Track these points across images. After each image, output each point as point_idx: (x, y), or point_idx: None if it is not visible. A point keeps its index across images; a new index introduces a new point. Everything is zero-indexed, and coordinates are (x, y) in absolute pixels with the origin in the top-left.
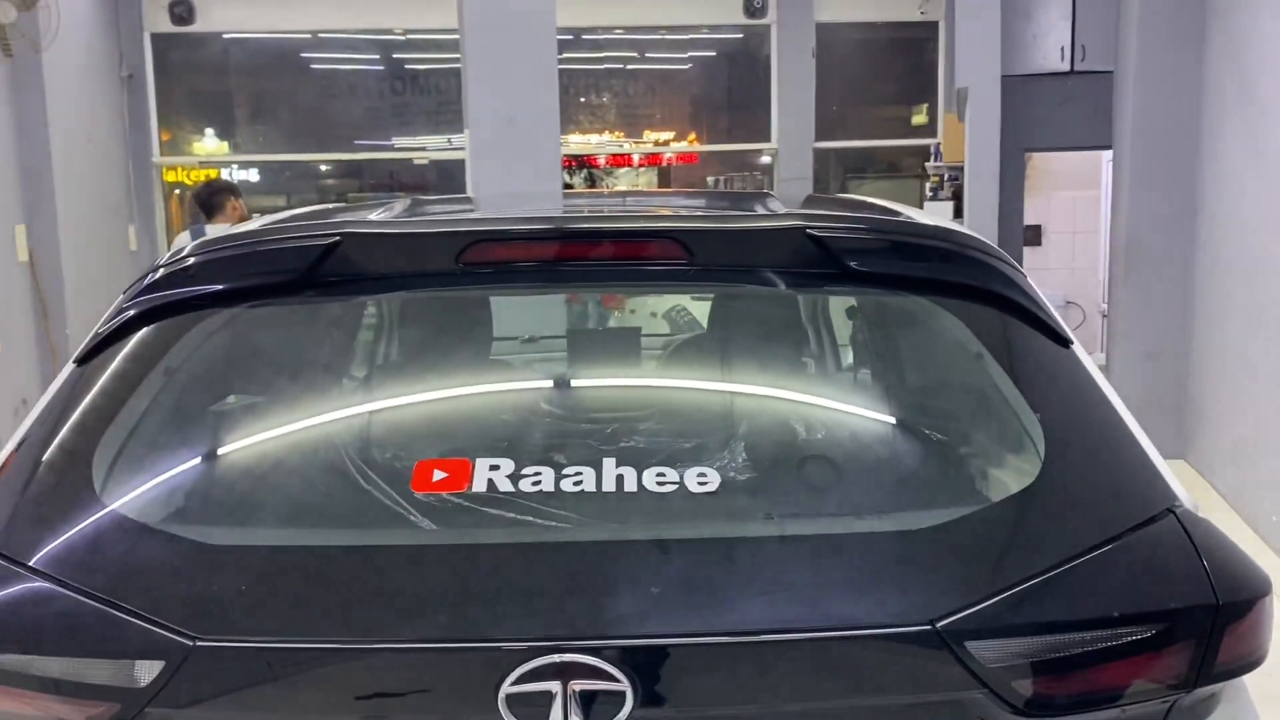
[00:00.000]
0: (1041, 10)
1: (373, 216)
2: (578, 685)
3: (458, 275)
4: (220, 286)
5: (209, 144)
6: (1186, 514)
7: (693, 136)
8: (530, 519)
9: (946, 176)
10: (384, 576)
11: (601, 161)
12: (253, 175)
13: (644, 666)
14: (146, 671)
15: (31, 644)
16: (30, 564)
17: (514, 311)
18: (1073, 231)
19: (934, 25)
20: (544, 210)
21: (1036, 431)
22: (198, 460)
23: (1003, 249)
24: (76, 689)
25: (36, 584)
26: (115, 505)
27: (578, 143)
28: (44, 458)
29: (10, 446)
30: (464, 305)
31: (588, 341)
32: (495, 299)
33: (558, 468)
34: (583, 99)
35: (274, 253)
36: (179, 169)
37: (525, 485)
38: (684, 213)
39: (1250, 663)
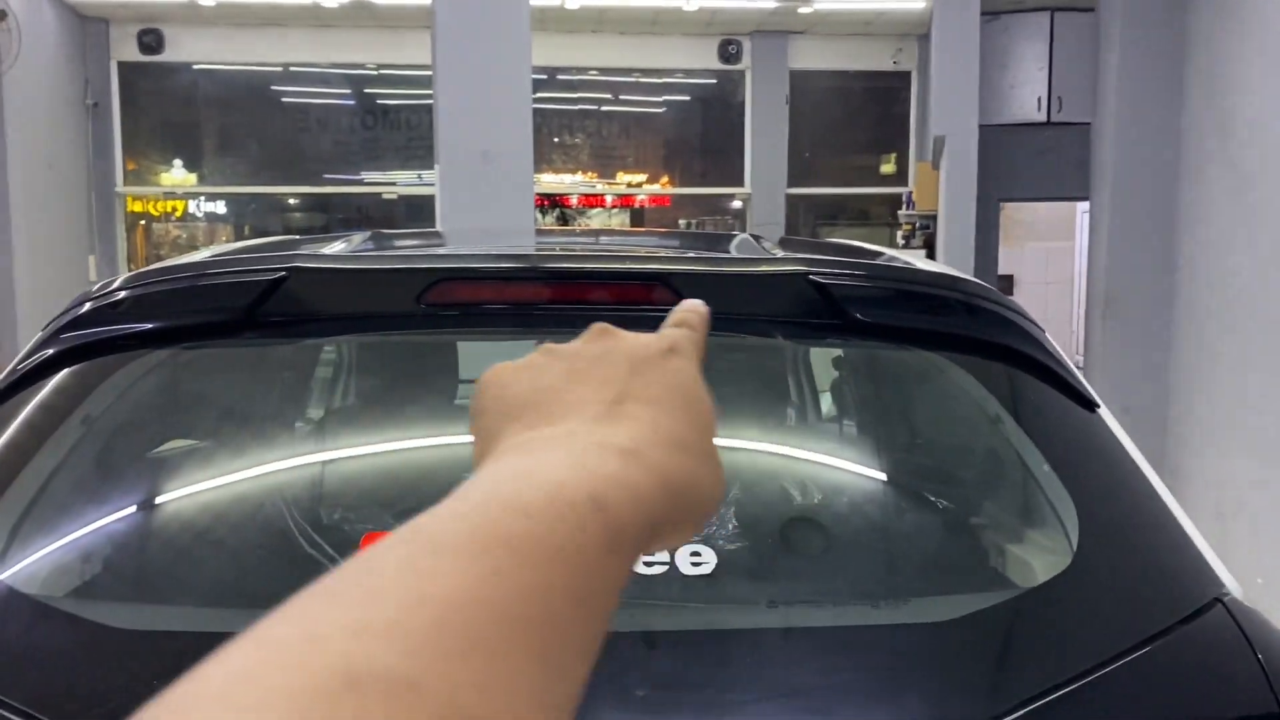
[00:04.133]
0: (1018, 61)
1: (327, 250)
2: None
3: (419, 317)
4: (151, 325)
5: (176, 174)
6: (1236, 604)
7: (665, 179)
8: None
9: (918, 225)
10: None
11: (574, 201)
12: (219, 207)
13: None
14: None
15: None
16: None
17: (484, 353)
18: (1045, 282)
19: (906, 75)
20: (518, 248)
21: (1067, 508)
22: (112, 525)
23: None
24: None
25: None
26: (7, 576)
27: (550, 181)
28: None
29: None
30: (425, 347)
31: None
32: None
33: None
34: (556, 139)
35: (212, 288)
36: (146, 199)
37: None
38: (670, 254)
39: None
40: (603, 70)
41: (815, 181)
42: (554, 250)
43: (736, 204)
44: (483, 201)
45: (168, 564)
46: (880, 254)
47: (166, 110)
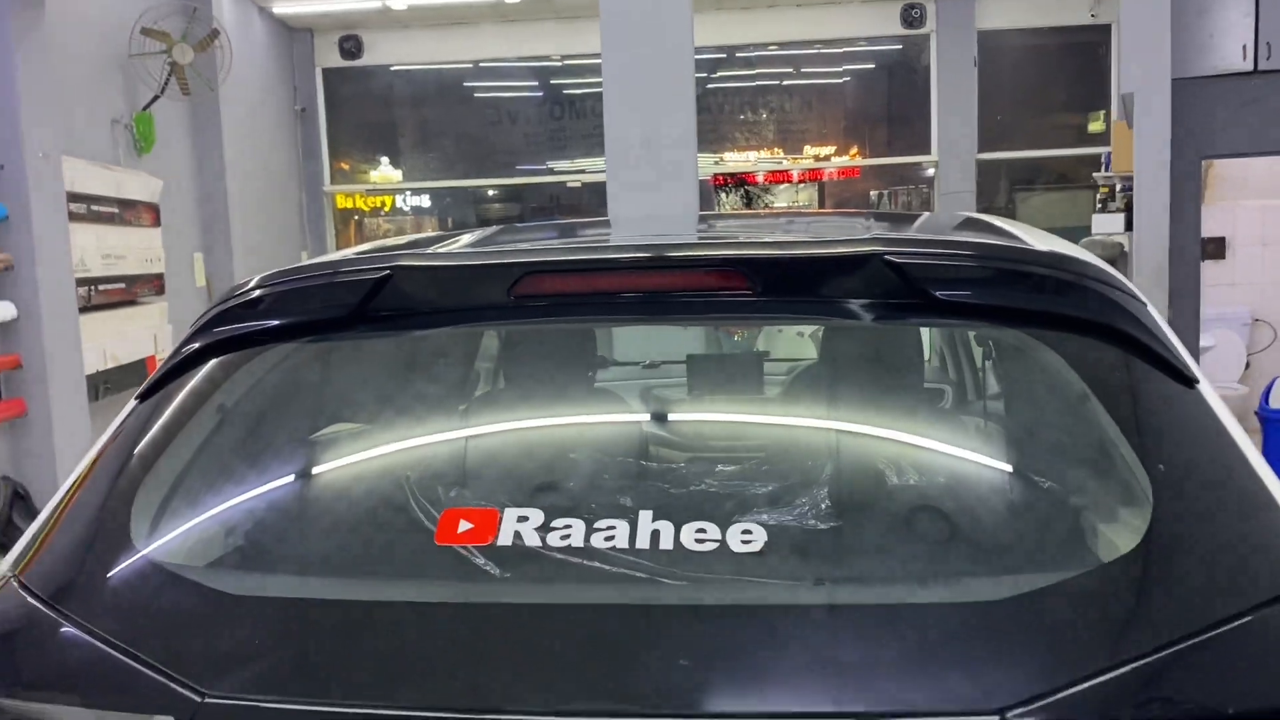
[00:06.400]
0: (1219, 7)
1: (437, 249)
2: None
3: (511, 309)
4: (275, 322)
5: (383, 172)
6: None
7: (855, 151)
8: (558, 577)
9: (1118, 187)
10: (400, 636)
11: (759, 179)
12: (424, 201)
13: None
14: None
15: (59, 691)
16: (67, 611)
17: (630, 338)
18: (1262, 243)
19: (1106, 28)
20: (622, 238)
21: (1144, 485)
22: (235, 505)
23: (1176, 264)
24: None
25: (70, 632)
26: (146, 549)
27: (734, 160)
28: (89, 496)
29: (69, 482)
30: (562, 335)
31: (660, 376)
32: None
33: (589, 520)
34: (741, 116)
35: (328, 286)
36: (354, 196)
37: (554, 539)
38: (758, 239)
39: None
40: (781, 45)
41: (1009, 145)
42: (641, 240)
43: (929, 172)
44: (648, 187)
45: (276, 539)
46: (1015, 237)
47: (367, 111)
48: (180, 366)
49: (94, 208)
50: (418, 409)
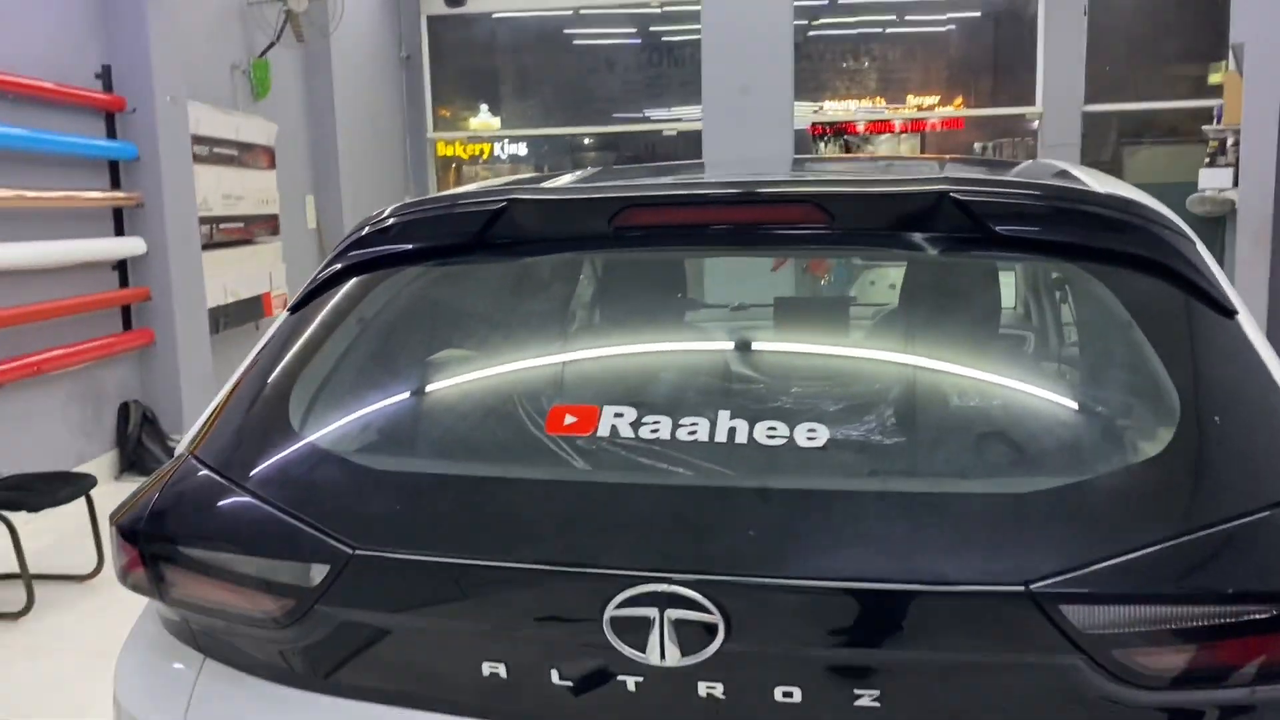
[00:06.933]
0: None
1: (547, 184)
2: (674, 614)
3: (612, 238)
4: (406, 246)
5: (483, 119)
6: None
7: (959, 100)
8: (647, 462)
9: (1230, 141)
10: (515, 506)
11: (860, 128)
12: (521, 149)
13: (736, 602)
14: (316, 573)
15: (235, 544)
16: (237, 480)
17: (722, 270)
18: None
19: None
20: (714, 176)
21: (1174, 401)
22: (375, 400)
23: None
24: (267, 585)
25: (241, 498)
26: (304, 434)
27: (834, 109)
28: (253, 391)
29: (233, 380)
30: (658, 265)
31: (754, 313)
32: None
33: (676, 417)
34: (843, 64)
35: (450, 217)
36: (454, 144)
37: (644, 432)
38: (840, 178)
39: None
40: None
41: (1117, 97)
42: (729, 178)
43: (1035, 124)
44: (744, 134)
45: (411, 427)
46: (1077, 179)
47: (469, 59)
48: (325, 285)
49: (215, 150)
50: (530, 326)
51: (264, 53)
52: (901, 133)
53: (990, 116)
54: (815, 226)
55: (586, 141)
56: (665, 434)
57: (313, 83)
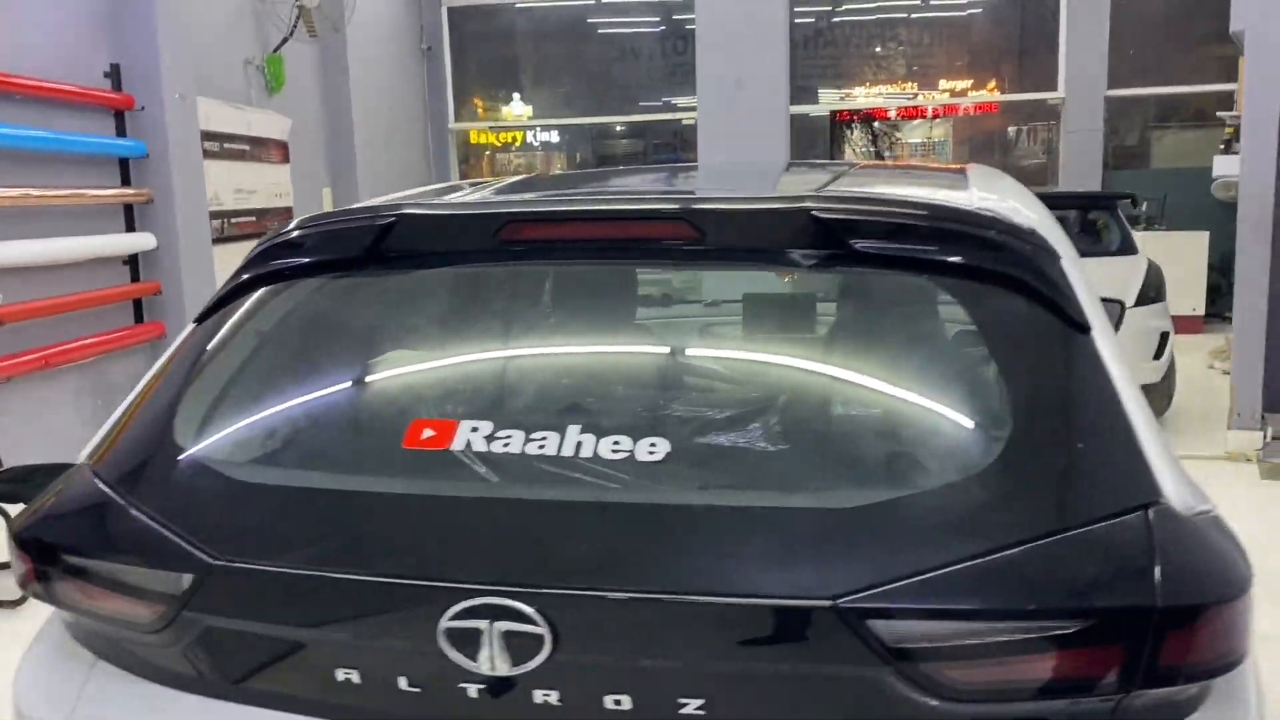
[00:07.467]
0: None
1: (446, 198)
2: (503, 627)
3: (499, 252)
4: (306, 260)
5: (514, 108)
6: (1165, 512)
7: (993, 85)
8: (491, 476)
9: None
10: (366, 519)
11: (891, 114)
12: (553, 136)
13: (563, 615)
14: (182, 582)
15: (113, 553)
16: (121, 491)
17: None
18: None
19: None
20: (596, 192)
21: (1010, 417)
22: (253, 412)
23: None
24: (141, 592)
25: (122, 508)
26: (185, 446)
27: (860, 96)
28: (146, 403)
29: (136, 390)
30: (519, 278)
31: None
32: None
33: (529, 431)
34: (869, 50)
35: (346, 231)
36: (487, 133)
37: (497, 447)
38: (705, 193)
39: (1219, 666)
40: None
41: (1142, 81)
42: (608, 194)
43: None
44: (738, 128)
45: (281, 440)
46: (964, 188)
47: (491, 49)
48: (230, 295)
49: (226, 145)
50: (408, 340)
51: (278, 48)
52: (934, 117)
53: (1012, 103)
54: (687, 242)
55: (618, 129)
56: (516, 448)
57: (329, 76)
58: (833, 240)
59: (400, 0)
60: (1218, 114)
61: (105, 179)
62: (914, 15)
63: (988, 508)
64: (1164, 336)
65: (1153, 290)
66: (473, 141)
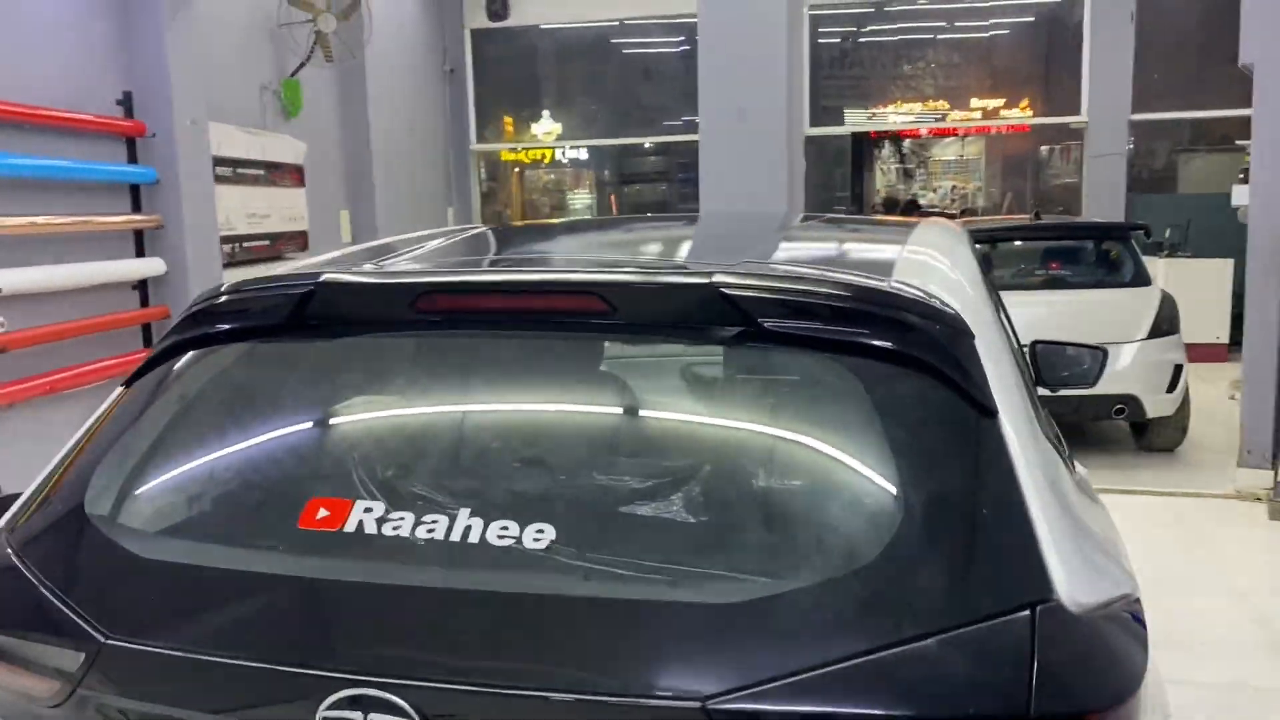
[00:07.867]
0: None
1: (373, 263)
2: (377, 719)
3: (416, 321)
4: (231, 325)
5: (544, 126)
6: (1053, 612)
7: (1025, 104)
8: (380, 562)
9: None
10: (254, 602)
11: (923, 133)
12: (581, 154)
13: (436, 707)
14: (75, 660)
15: (13, 626)
16: (28, 562)
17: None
18: None
19: None
20: (515, 261)
21: (901, 506)
22: (162, 484)
23: None
24: (40, 668)
25: (26, 580)
26: (92, 517)
27: (886, 115)
28: (70, 466)
29: (59, 455)
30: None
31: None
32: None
33: (420, 514)
34: (896, 70)
35: (268, 297)
36: (521, 153)
37: (387, 529)
38: (626, 264)
39: None
40: None
41: (1166, 106)
42: (530, 263)
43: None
44: (739, 157)
45: (183, 512)
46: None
47: (514, 71)
48: (159, 358)
49: (239, 170)
50: (317, 410)
51: (295, 73)
52: (965, 135)
53: (1036, 126)
54: (600, 316)
55: (646, 145)
56: (406, 531)
57: (348, 99)
58: (743, 318)
59: (421, 23)
60: (1236, 142)
61: (116, 205)
62: (940, 37)
63: (869, 604)
64: (1178, 369)
65: (1166, 323)
66: (504, 159)
